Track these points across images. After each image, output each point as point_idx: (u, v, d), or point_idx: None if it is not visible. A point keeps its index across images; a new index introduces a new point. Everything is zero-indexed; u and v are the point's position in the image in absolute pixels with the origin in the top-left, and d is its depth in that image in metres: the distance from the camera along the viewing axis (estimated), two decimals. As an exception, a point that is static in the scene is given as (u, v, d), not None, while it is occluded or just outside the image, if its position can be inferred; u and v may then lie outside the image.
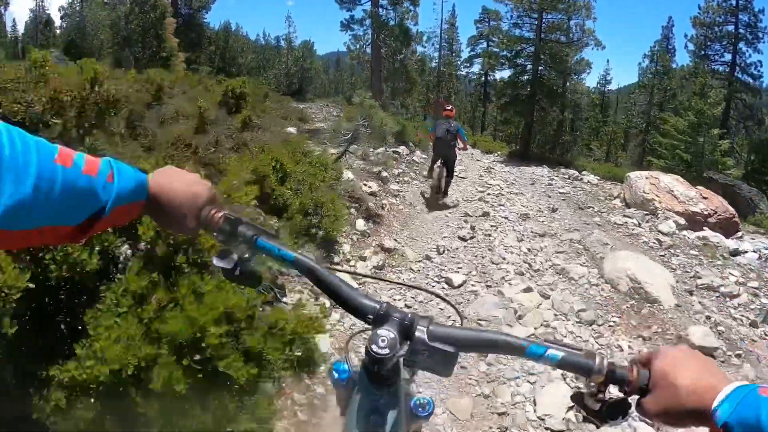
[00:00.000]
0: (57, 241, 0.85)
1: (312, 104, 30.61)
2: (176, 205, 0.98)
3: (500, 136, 64.94)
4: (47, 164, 0.73)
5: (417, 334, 0.90)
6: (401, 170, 14.76)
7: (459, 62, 54.29)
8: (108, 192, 0.83)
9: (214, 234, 1.04)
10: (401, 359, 0.89)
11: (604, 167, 24.23)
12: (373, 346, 0.84)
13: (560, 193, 15.92)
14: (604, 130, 48.88)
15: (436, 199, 10.71)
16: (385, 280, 4.53)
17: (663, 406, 0.79)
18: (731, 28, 36.94)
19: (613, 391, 0.87)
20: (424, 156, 17.66)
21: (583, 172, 21.82)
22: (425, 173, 12.56)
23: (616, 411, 0.85)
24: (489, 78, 53.21)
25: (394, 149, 16.40)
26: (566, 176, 20.05)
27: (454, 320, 4.96)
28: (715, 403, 0.72)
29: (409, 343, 0.90)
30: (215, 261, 1.03)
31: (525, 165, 24.44)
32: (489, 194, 14.32)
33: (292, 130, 14.72)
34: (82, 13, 42.97)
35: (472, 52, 52.63)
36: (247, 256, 1.04)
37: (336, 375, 1.09)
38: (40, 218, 0.74)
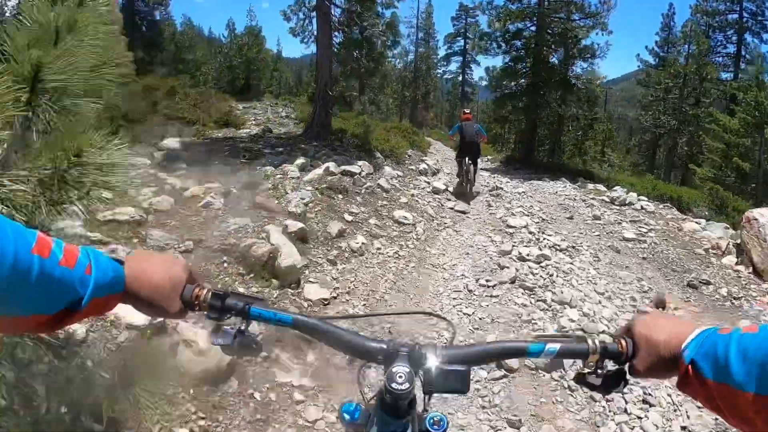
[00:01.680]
0: (31, 330, 0.87)
1: (258, 103, 23.25)
2: (155, 291, 0.91)
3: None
4: (24, 254, 0.68)
5: (428, 362, 0.90)
6: (351, 213, 7.32)
7: (436, 60, 47.96)
8: (85, 285, 0.79)
9: (204, 313, 0.95)
10: (419, 390, 0.90)
11: (644, 183, 16.91)
12: (393, 384, 0.86)
13: (625, 239, 9.23)
14: (597, 127, 41.91)
15: (463, 191, 11.20)
16: (381, 314, 3.86)
17: (648, 363, 0.85)
18: (735, 16, 30.70)
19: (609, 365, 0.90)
20: (399, 173, 11.93)
21: (617, 188, 14.76)
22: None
23: (616, 381, 0.89)
24: (467, 76, 51.22)
25: (345, 167, 8.92)
26: (606, 199, 12.92)
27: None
28: (683, 346, 0.78)
29: (422, 372, 0.90)
30: (212, 340, 0.95)
31: (535, 177, 17.32)
32: (523, 257, 7.40)
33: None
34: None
35: (449, 50, 49.83)
36: (242, 327, 0.96)
37: (347, 416, 1.06)
38: (12, 307, 0.70)
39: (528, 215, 10.11)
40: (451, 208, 10.48)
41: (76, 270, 0.78)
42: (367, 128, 14.32)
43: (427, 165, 14.08)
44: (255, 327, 1.00)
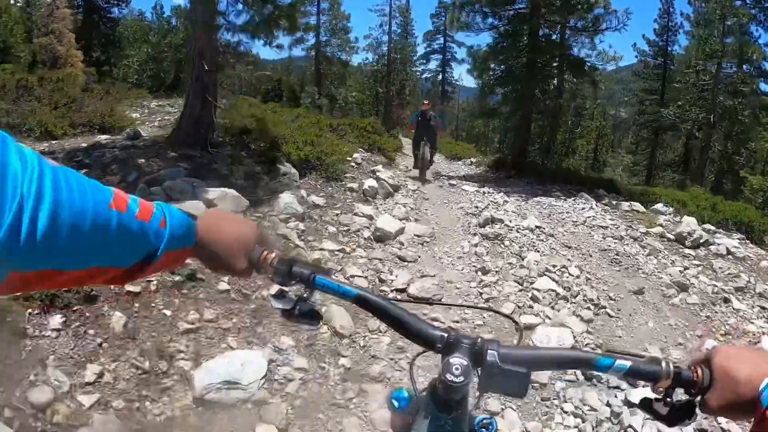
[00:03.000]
0: (105, 282, 0.78)
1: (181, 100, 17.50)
2: (225, 248, 0.89)
3: (462, 136, 53.55)
4: (103, 209, 0.68)
5: (488, 358, 0.82)
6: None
7: (414, 56, 43.29)
8: (159, 238, 0.77)
9: (269, 276, 0.92)
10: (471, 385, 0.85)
11: (695, 198, 11.33)
12: (448, 375, 0.80)
13: None
14: (590, 123, 36.68)
15: (423, 173, 11.19)
16: (448, 305, 3.33)
17: (725, 401, 0.74)
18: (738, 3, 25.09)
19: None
20: (320, 199, 7.25)
21: (661, 208, 9.54)
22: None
23: (684, 413, 0.80)
24: (447, 75, 47.46)
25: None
26: (668, 234, 7.29)
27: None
28: (761, 387, 0.68)
29: (480, 368, 0.83)
30: (273, 302, 0.92)
31: (540, 190, 11.77)
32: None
33: None
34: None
35: (428, 48, 46.08)
36: (305, 295, 0.92)
37: (396, 403, 0.98)
38: (93, 260, 0.69)
39: (567, 298, 4.49)
40: (402, 290, 4.80)
41: (152, 223, 0.76)
42: (263, 124, 8.58)
43: (379, 182, 8.35)
44: (317, 297, 0.92)
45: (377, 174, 9.06)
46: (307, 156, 8.06)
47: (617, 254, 6.61)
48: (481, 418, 0.97)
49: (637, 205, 10.76)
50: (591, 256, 6.52)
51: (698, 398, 0.78)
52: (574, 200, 10.56)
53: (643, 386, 1.55)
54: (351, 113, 21.37)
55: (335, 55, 21.87)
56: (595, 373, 0.96)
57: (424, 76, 53.25)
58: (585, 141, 38.70)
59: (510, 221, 7.52)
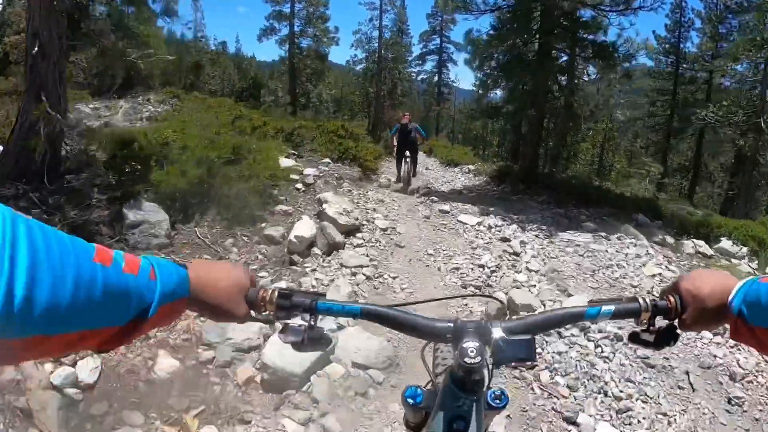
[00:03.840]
0: (100, 344, 0.69)
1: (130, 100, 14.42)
2: (222, 295, 0.87)
3: (458, 139, 50.17)
4: (86, 265, 0.62)
5: (495, 335, 0.89)
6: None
7: (409, 56, 41.32)
8: (151, 291, 0.71)
9: (271, 314, 0.92)
10: (490, 362, 0.91)
11: None
12: (466, 359, 0.84)
13: None
14: (598, 126, 33.22)
15: (407, 186, 10.86)
16: (441, 299, 2.04)
17: (697, 317, 0.85)
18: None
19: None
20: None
21: (725, 246, 6.35)
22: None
23: (669, 336, 0.89)
24: (444, 76, 47.11)
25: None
26: None
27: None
28: (729, 298, 0.79)
29: (490, 345, 0.89)
30: (281, 338, 0.92)
31: (562, 216, 8.34)
32: None
33: None
34: None
35: (424, 49, 45.24)
36: (311, 323, 0.93)
37: (411, 401, 1.05)
38: (81, 322, 0.62)
39: None
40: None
41: (141, 276, 0.70)
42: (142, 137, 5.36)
43: (320, 225, 4.91)
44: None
45: (323, 207, 5.62)
46: (191, 183, 4.64)
47: (731, 376, 3.29)
48: (493, 391, 1.03)
49: (703, 246, 7.39)
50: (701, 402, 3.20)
51: (676, 321, 0.89)
52: (618, 239, 7.15)
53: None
54: (328, 114, 17.97)
55: (312, 47, 18.53)
56: (588, 322, 1.02)
57: (419, 77, 50.66)
58: (589, 144, 35.39)
59: (543, 300, 4.13)
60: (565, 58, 12.75)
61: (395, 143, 11.17)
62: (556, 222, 8.42)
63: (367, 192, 8.88)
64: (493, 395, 1.03)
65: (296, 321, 0.93)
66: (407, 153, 10.98)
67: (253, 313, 0.92)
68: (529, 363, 1.42)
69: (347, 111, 40.53)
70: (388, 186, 11.58)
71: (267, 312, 0.91)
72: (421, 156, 24.26)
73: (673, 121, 30.99)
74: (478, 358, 0.84)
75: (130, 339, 0.72)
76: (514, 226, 7.70)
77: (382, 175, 12.19)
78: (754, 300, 0.73)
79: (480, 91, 13.35)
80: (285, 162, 7.87)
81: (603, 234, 7.49)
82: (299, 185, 7.20)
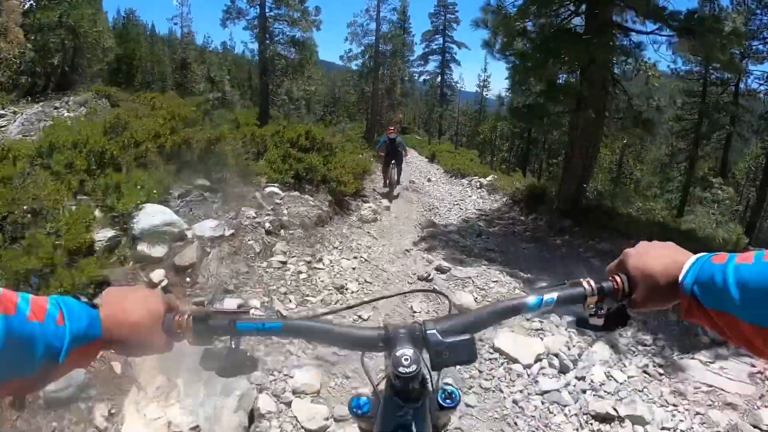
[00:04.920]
0: (14, 394, 0.67)
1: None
2: (136, 331, 0.77)
3: (462, 142, 46.11)
4: None
5: (430, 338, 0.80)
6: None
7: (411, 56, 37.79)
8: (60, 337, 0.66)
9: (189, 340, 0.82)
10: (426, 370, 0.85)
11: None
12: (400, 368, 0.77)
13: None
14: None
15: (391, 191, 10.85)
16: (375, 300, 2.94)
17: (647, 296, 0.78)
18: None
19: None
20: None
21: None
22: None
23: (619, 318, 0.83)
24: (447, 77, 44.70)
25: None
26: None
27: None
28: (681, 276, 0.72)
29: (427, 350, 0.81)
30: (203, 365, 0.83)
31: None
32: None
33: None
34: None
35: (426, 49, 43.53)
36: (233, 345, 0.83)
37: (357, 410, 0.99)
38: None
39: None
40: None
41: (47, 323, 0.65)
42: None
43: None
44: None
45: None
46: None
47: None
48: (442, 391, 0.97)
49: None
50: None
51: (625, 301, 0.81)
52: None
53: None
54: (299, 114, 13.98)
55: (286, 32, 14.58)
56: (530, 314, 0.82)
57: (422, 78, 47.94)
58: (608, 150, 31.32)
59: None
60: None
61: (381, 154, 11.55)
62: (668, 334, 4.33)
63: (332, 247, 4.94)
64: (443, 395, 0.97)
65: (218, 344, 0.83)
66: (393, 162, 11.16)
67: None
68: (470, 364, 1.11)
69: (342, 112, 36.58)
70: (375, 220, 7.61)
71: (186, 338, 0.81)
72: (423, 163, 20.37)
73: (702, 126, 26.87)
74: (414, 366, 0.77)
75: (45, 384, 0.68)
76: (601, 350, 3.68)
77: (365, 207, 8.14)
78: (708, 281, 0.67)
79: (512, 84, 9.20)
80: (152, 213, 3.89)
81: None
82: (157, 275, 3.29)
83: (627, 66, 8.65)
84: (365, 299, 4.00)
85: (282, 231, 5.05)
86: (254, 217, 4.89)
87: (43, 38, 14.77)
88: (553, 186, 10.67)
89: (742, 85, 23.72)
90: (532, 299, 0.83)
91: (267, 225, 4.84)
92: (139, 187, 4.55)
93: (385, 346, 0.82)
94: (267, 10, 13.57)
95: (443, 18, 46.22)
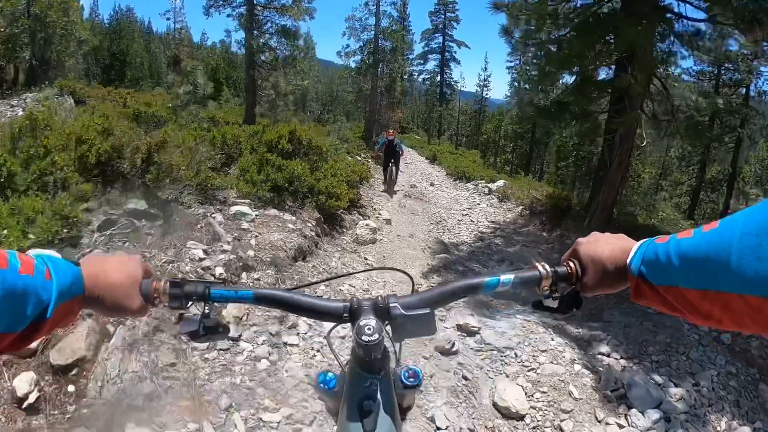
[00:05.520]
0: (1, 350, 0.64)
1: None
2: (116, 289, 0.78)
3: (461, 142, 44.50)
4: None
5: (393, 311, 0.83)
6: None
7: (411, 56, 37.70)
8: (48, 291, 0.65)
9: (165, 304, 0.84)
10: (389, 339, 0.86)
11: None
12: (363, 337, 0.79)
13: None
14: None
15: (391, 188, 11.63)
16: (347, 275, 2.86)
17: (597, 280, 0.81)
18: None
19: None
20: None
21: None
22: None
23: (572, 301, 0.85)
24: (446, 76, 44.58)
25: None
26: None
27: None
28: (628, 260, 0.74)
29: (388, 322, 0.84)
30: (179, 329, 0.86)
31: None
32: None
33: None
34: None
35: (426, 48, 43.58)
36: (206, 311, 0.85)
37: (324, 386, 0.99)
38: None
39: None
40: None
41: (36, 277, 0.64)
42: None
43: None
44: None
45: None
46: None
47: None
48: (406, 369, 0.99)
49: None
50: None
51: (578, 285, 0.83)
52: None
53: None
54: (287, 111, 12.43)
55: (275, 20, 12.95)
56: (488, 293, 0.93)
57: (421, 77, 46.75)
58: (641, 164, 29.85)
59: None
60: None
61: (381, 154, 12.26)
62: None
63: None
64: (406, 374, 0.99)
65: (193, 310, 0.85)
66: (392, 162, 11.75)
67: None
68: (429, 337, 1.23)
69: (340, 111, 34.97)
70: (374, 241, 6.12)
71: (161, 303, 0.83)
72: (423, 165, 19.93)
73: (714, 128, 25.38)
74: (376, 336, 0.79)
75: (31, 341, 0.66)
76: None
77: (361, 224, 6.59)
78: (653, 259, 0.69)
79: (540, 76, 7.66)
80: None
81: None
82: (22, 385, 1.81)
83: (683, 59, 7.14)
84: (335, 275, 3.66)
85: (243, 277, 3.52)
86: (202, 258, 3.36)
87: (9, 29, 13.15)
88: (564, 190, 9.15)
89: (753, 87, 22.67)
90: (489, 279, 0.85)
91: (219, 271, 3.30)
92: (29, 220, 3.02)
93: (351, 317, 0.83)
94: (256, -1, 12.04)
95: (443, 16, 44.98)
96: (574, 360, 3.68)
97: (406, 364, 1.02)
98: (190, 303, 0.85)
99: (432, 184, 15.34)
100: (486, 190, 13.69)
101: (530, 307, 0.95)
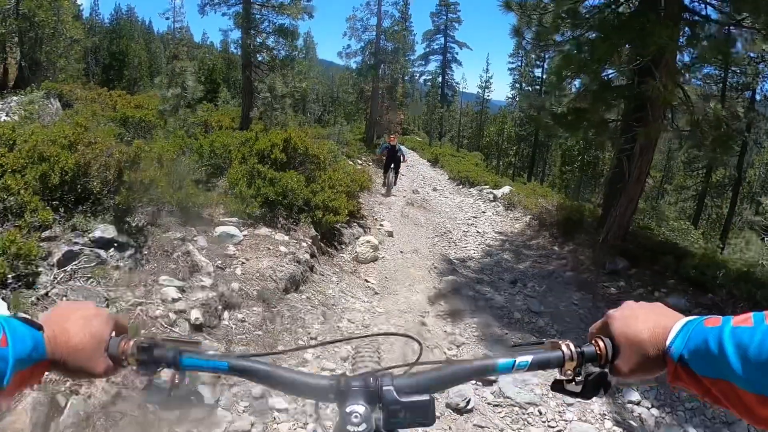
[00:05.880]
0: None
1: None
2: (77, 354, 0.70)
3: (462, 143, 43.93)
4: None
5: (385, 395, 0.73)
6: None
7: (412, 57, 36.46)
8: (4, 360, 0.60)
9: (133, 368, 0.75)
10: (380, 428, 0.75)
11: None
12: (349, 427, 0.70)
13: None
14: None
15: (389, 190, 12.09)
16: (336, 341, 1.16)
17: (633, 364, 0.70)
18: None
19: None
20: None
21: None
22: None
23: (599, 384, 0.73)
24: (448, 77, 45.03)
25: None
26: None
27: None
28: (668, 342, 0.66)
29: (380, 406, 0.73)
30: (146, 398, 0.71)
31: None
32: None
33: None
34: None
35: (427, 49, 43.60)
36: (176, 380, 0.76)
37: None
38: None
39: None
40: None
41: None
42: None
43: None
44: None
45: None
46: None
47: None
48: None
49: None
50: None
51: (608, 368, 0.73)
52: None
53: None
54: (283, 114, 11.88)
55: (272, 19, 12.34)
56: (500, 376, 0.81)
57: (422, 78, 46.71)
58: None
59: None
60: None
61: (383, 157, 12.77)
62: None
63: (307, 337, 2.95)
64: None
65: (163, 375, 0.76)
66: (392, 166, 12.30)
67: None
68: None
69: (341, 112, 34.43)
70: (375, 259, 5.67)
71: (129, 366, 0.74)
72: (425, 168, 20.14)
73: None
74: (363, 426, 0.70)
75: None
76: None
77: (362, 240, 6.09)
78: (700, 347, 0.60)
79: (555, 74, 7.10)
80: None
81: None
82: None
83: (714, 63, 6.66)
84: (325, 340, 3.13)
85: (225, 317, 3.02)
86: (175, 299, 2.85)
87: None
88: (569, 195, 8.66)
89: (758, 91, 22.38)
90: (503, 361, 0.76)
91: (195, 315, 2.80)
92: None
93: (337, 398, 0.74)
94: (252, -4, 11.47)
95: (445, 17, 44.64)
96: (604, 414, 3.19)
97: None
98: (159, 369, 0.75)
99: (434, 189, 14.85)
100: (491, 196, 13.20)
101: (551, 389, 0.69)
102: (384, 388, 0.74)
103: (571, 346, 0.75)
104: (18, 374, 0.61)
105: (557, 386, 0.77)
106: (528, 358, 0.75)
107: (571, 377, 0.75)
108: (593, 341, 0.75)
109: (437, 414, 2.80)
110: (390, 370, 0.80)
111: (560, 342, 0.76)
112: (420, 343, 0.93)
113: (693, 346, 0.62)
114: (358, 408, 0.71)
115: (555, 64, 6.52)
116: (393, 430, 0.75)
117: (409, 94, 35.60)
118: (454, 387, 3.11)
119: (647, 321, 0.70)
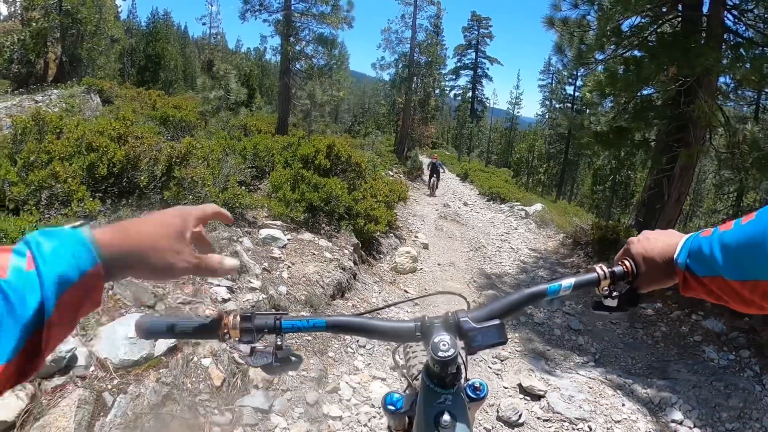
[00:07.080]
0: (8, 384, 0.45)
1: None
2: (145, 246, 0.56)
3: (491, 159, 43.67)
4: None
5: (464, 325, 0.82)
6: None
7: (444, 71, 36.32)
8: (32, 286, 0.46)
9: (236, 340, 0.78)
10: (463, 353, 0.88)
11: None
12: (439, 353, 0.79)
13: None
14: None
15: (433, 192, 15.46)
16: (404, 301, 2.73)
17: (651, 277, 0.82)
18: None
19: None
20: None
21: None
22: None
23: (631, 299, 0.85)
24: (478, 93, 45.02)
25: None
26: None
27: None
28: (675, 254, 0.76)
29: (460, 336, 0.82)
30: (251, 362, 0.81)
31: None
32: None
33: None
34: None
35: (458, 63, 43.72)
36: (279, 342, 0.80)
37: (392, 407, 1.00)
38: None
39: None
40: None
41: (12, 275, 0.46)
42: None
43: None
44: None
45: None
46: None
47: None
48: (471, 383, 0.99)
49: None
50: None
51: (635, 283, 0.84)
52: None
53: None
54: (323, 122, 12.04)
55: (313, 28, 12.59)
56: (551, 298, 0.85)
57: (452, 92, 46.46)
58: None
59: None
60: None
61: (428, 171, 16.26)
62: None
63: (357, 345, 2.96)
64: (472, 387, 0.99)
65: (262, 344, 0.79)
66: (435, 176, 15.78)
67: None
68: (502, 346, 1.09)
69: (372, 123, 34.66)
70: (413, 270, 5.65)
71: (231, 338, 0.77)
72: (455, 182, 20.39)
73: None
74: (451, 351, 0.79)
75: (38, 361, 0.47)
76: None
77: (400, 251, 6.07)
78: (697, 252, 0.71)
79: (601, 97, 6.95)
80: None
81: None
82: None
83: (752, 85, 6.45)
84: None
85: (282, 316, 3.06)
86: (225, 300, 2.88)
87: (39, 24, 13.15)
88: (599, 215, 8.45)
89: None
90: (552, 286, 0.86)
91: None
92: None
93: (423, 335, 0.83)
94: (293, 0, 11.65)
95: (476, 32, 44.76)
96: (652, 430, 3.09)
97: (470, 377, 1.00)
98: (260, 336, 0.80)
99: (465, 204, 14.78)
100: (522, 213, 13.05)
101: (593, 309, 0.81)
102: (461, 319, 0.81)
103: (604, 267, 0.85)
104: (63, 296, 0.48)
105: (597, 305, 0.87)
106: (571, 281, 0.85)
107: (607, 293, 0.84)
108: (620, 263, 0.86)
109: (488, 427, 2.75)
110: (462, 309, 0.87)
111: (594, 266, 0.87)
112: (467, 300, 1.01)
113: (692, 253, 0.72)
114: (444, 337, 0.79)
115: (595, 82, 6.42)
116: (474, 351, 0.82)
117: (439, 108, 35.57)
118: (503, 400, 3.05)
119: (658, 240, 0.81)
